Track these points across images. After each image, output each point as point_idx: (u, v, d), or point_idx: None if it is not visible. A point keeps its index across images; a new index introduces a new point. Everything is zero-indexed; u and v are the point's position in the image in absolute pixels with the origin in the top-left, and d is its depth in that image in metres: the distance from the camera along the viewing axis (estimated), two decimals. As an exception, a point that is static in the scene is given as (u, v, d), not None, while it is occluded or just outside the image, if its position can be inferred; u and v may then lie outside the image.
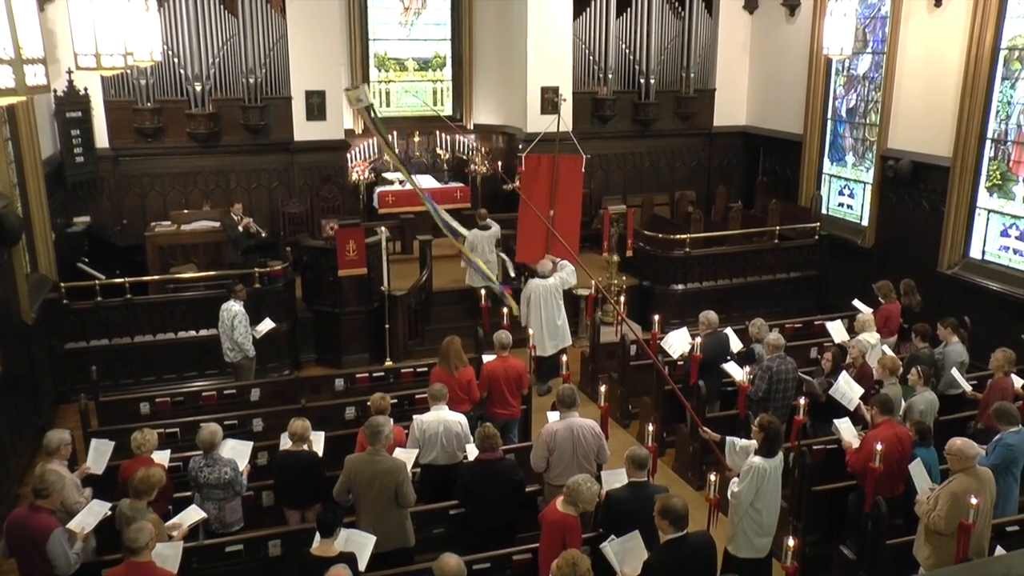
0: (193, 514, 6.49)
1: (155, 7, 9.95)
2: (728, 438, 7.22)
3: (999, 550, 6.28)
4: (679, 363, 9.84)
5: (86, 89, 12.64)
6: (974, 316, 10.09)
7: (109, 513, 6.23)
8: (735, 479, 6.60)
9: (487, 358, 8.77)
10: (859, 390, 8.08)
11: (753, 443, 6.56)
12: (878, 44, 13.65)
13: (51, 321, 10.77)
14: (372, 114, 10.89)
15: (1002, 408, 7.05)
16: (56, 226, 11.56)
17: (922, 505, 6.33)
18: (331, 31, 14.46)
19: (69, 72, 12.09)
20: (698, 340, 9.06)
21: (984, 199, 11.81)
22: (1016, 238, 11.41)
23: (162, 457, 7.05)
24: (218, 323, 10.13)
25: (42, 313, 10.36)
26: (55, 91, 12.09)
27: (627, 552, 5.62)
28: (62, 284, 10.87)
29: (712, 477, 6.69)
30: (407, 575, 6.32)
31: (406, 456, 6.98)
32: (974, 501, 5.91)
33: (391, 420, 7.00)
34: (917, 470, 6.73)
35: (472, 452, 7.13)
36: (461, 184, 15.71)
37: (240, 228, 12.57)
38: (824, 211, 14.73)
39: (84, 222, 12.87)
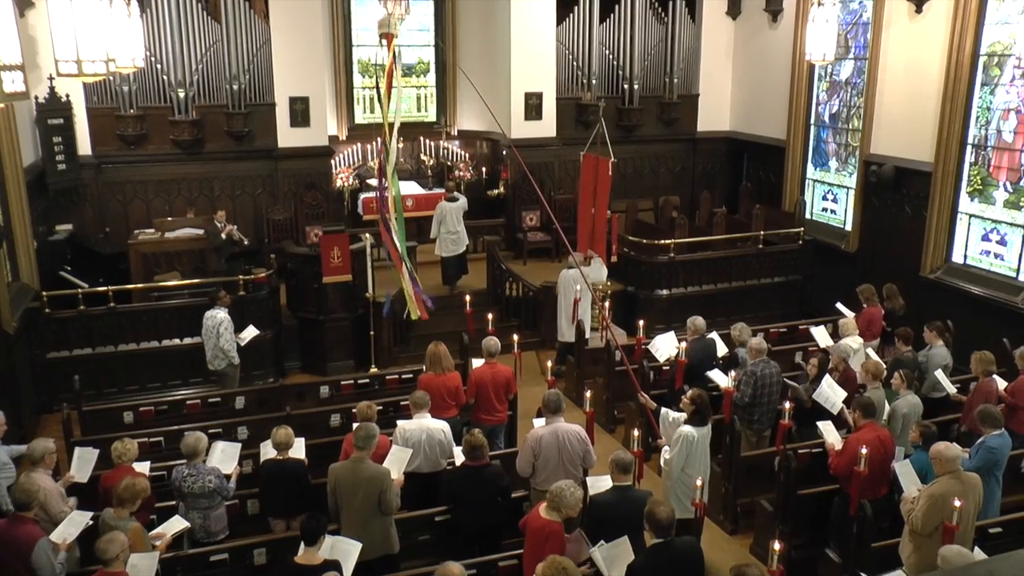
0: (176, 524, 6.46)
1: (137, 13, 9.90)
2: (663, 409, 7.79)
3: (978, 552, 6.31)
4: (665, 368, 9.86)
5: (68, 96, 12.55)
6: (956, 320, 10.15)
7: (91, 523, 6.18)
8: (666, 447, 7.35)
9: (476, 363, 8.76)
10: (842, 394, 8.10)
11: (684, 415, 7.25)
12: (860, 50, 13.75)
13: (33, 330, 10.68)
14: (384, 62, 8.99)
15: (986, 411, 7.10)
16: (38, 234, 11.46)
17: (906, 503, 6.38)
18: (314, 37, 14.43)
19: (50, 79, 11.99)
20: (683, 345, 9.09)
21: (965, 204, 11.90)
22: (997, 242, 11.50)
23: (142, 467, 7.00)
24: (202, 331, 10.07)
25: (24, 322, 10.27)
26: (36, 98, 12.01)
27: (615, 558, 5.62)
28: (44, 293, 10.77)
29: (698, 482, 6.70)
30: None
31: (401, 455, 6.95)
32: (957, 503, 5.96)
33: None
34: (904, 470, 6.77)
35: (459, 457, 7.13)
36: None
37: (223, 235, 12.50)
38: (808, 216, 14.80)
39: (66, 230, 12.78)
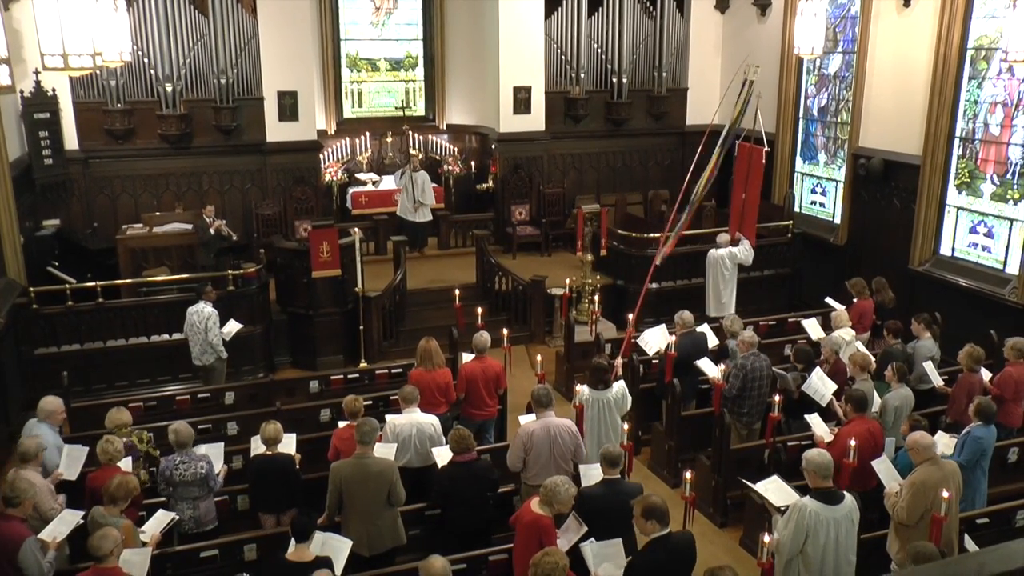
0: (163, 517, 6.44)
1: (124, 6, 9.86)
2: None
3: (968, 541, 6.36)
4: (654, 361, 9.88)
5: (54, 90, 12.46)
6: (945, 312, 10.20)
7: (81, 522, 6.16)
8: None
9: (466, 357, 8.76)
10: (832, 386, 8.14)
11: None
12: (848, 44, 13.78)
13: (20, 326, 10.60)
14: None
15: (983, 405, 7.13)
16: (25, 229, 11.38)
17: (889, 497, 6.41)
18: (302, 31, 14.36)
19: (36, 73, 11.90)
20: (672, 339, 9.11)
21: (953, 197, 11.95)
22: (984, 235, 11.55)
23: (126, 464, 6.97)
24: (185, 326, 10.03)
25: (11, 318, 10.20)
26: (22, 92, 11.92)
27: (606, 557, 5.60)
28: (31, 289, 10.71)
29: (688, 475, 6.71)
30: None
31: (386, 451, 6.96)
32: (945, 495, 5.98)
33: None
34: (883, 466, 6.80)
35: (440, 455, 7.12)
36: (434, 185, 15.64)
37: (212, 230, 12.45)
38: (797, 209, 14.84)
39: (54, 225, 12.69)
